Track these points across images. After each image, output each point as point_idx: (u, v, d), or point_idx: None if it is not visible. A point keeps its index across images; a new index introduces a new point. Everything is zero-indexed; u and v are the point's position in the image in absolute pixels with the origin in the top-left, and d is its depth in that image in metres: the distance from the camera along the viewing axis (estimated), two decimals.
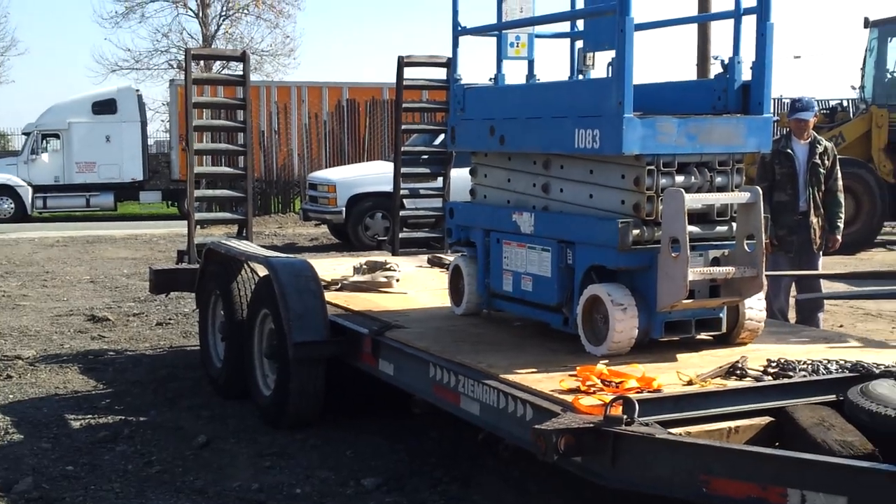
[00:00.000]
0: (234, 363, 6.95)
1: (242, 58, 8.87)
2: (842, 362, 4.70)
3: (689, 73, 19.99)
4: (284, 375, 6.18)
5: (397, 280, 7.34)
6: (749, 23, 5.19)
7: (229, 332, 7.04)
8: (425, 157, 10.00)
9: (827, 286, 8.47)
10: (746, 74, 5.23)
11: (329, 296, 6.65)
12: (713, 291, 4.99)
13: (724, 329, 5.21)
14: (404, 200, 10.15)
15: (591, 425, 3.85)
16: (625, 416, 3.82)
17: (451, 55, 6.28)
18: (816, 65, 66.08)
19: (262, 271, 6.72)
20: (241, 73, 8.78)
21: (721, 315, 5.18)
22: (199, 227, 8.68)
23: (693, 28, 19.97)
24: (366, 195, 16.86)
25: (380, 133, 24.69)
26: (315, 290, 6.21)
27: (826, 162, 7.97)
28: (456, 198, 7.79)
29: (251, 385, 6.70)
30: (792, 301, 8.25)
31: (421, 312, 6.39)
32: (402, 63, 8.92)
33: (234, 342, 6.97)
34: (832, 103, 24.27)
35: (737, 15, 5.29)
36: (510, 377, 4.62)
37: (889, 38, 17.29)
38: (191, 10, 37.59)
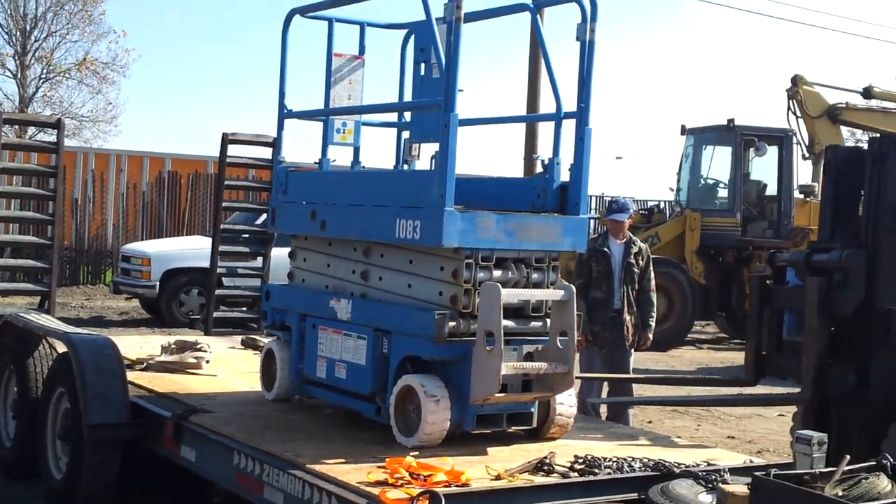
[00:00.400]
0: (25, 443, 6.57)
1: (57, 125, 8.71)
2: (645, 460, 4.79)
3: (520, 168, 20.46)
4: (78, 458, 5.86)
5: (207, 361, 7.09)
6: (570, 126, 5.33)
7: (22, 410, 6.66)
8: (246, 235, 9.81)
9: (638, 387, 8.69)
10: (565, 175, 5.35)
11: (133, 376, 6.40)
12: (525, 386, 5.01)
13: (535, 424, 5.24)
14: (222, 278, 9.89)
15: None
16: None
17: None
18: (637, 166, 69.15)
19: (62, 347, 6.38)
20: (55, 139, 8.51)
21: (532, 410, 5.21)
22: None
23: (523, 125, 20.52)
24: (182, 270, 16.29)
25: (201, 207, 24.10)
26: (116, 369, 5.96)
27: (640, 262, 8.22)
28: (276, 277, 7.64)
29: (42, 467, 6.33)
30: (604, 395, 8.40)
31: (230, 396, 6.19)
32: (227, 140, 8.80)
33: (25, 421, 6.59)
34: (650, 204, 25.37)
35: (557, 118, 5.44)
36: (317, 467, 4.49)
37: (703, 146, 18.20)
38: (9, 70, 36.21)
